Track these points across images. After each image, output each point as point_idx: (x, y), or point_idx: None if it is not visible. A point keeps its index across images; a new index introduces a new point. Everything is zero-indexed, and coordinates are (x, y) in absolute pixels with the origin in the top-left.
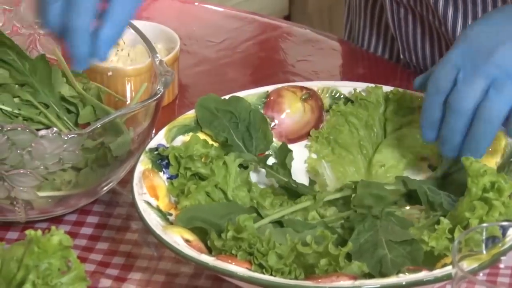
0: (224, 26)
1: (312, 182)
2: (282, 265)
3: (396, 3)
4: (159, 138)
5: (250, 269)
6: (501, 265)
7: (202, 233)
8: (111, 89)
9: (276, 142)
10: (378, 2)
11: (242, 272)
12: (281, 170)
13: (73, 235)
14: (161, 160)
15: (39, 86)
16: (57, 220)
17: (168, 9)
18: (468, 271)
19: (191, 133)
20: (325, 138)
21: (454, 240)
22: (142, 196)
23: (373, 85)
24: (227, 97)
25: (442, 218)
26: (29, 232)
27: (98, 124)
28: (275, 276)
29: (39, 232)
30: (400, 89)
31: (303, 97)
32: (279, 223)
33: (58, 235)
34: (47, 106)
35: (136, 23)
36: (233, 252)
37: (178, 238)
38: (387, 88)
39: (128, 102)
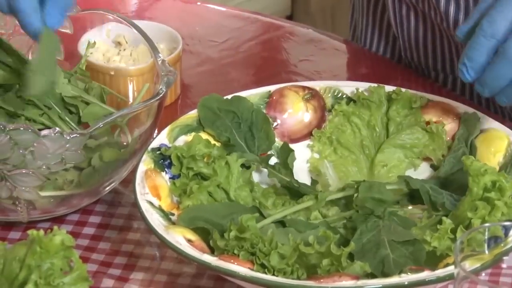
0: (226, 26)
1: (314, 182)
2: (284, 265)
3: (398, 0)
4: (162, 138)
5: (252, 269)
6: (504, 265)
7: (204, 233)
8: (114, 89)
9: (278, 142)
10: (380, 0)
11: (244, 272)
12: (283, 170)
13: (75, 235)
14: (163, 160)
15: None
16: (59, 220)
17: (171, 9)
18: (470, 271)
19: (193, 133)
20: (328, 138)
21: (456, 240)
22: (144, 196)
23: (375, 85)
24: (229, 97)
25: (444, 218)
26: (31, 232)
27: (101, 124)
28: (277, 276)
29: (41, 232)
30: (403, 89)
31: (306, 97)
32: (281, 223)
33: (60, 235)
34: (48, 108)
35: (139, 23)
36: (235, 252)
37: (180, 238)
38: (389, 88)
39: (131, 102)
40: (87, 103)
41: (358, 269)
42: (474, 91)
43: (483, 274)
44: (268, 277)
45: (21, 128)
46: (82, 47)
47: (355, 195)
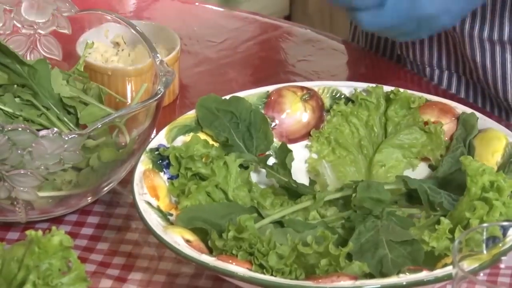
0: (224, 26)
1: (312, 182)
2: (282, 265)
3: None
4: (160, 138)
5: (250, 269)
6: (502, 265)
7: (202, 233)
8: (112, 89)
9: (276, 142)
10: None
11: (243, 272)
12: (282, 170)
13: (73, 235)
14: (161, 160)
15: (38, 89)
16: (58, 221)
17: (169, 9)
18: (469, 271)
19: (191, 133)
20: (326, 138)
21: (455, 240)
22: (142, 196)
23: (373, 85)
24: (227, 97)
25: (442, 218)
26: (30, 233)
27: (99, 124)
28: (275, 276)
29: (40, 232)
30: (401, 89)
31: (304, 97)
32: (279, 223)
33: (59, 236)
34: (47, 108)
35: (137, 23)
36: (234, 252)
37: (179, 238)
38: (387, 88)
39: (129, 102)
40: (86, 104)
41: (357, 269)
42: (470, 90)
43: (481, 274)
44: (267, 277)
45: (20, 129)
46: (80, 47)
47: (353, 195)
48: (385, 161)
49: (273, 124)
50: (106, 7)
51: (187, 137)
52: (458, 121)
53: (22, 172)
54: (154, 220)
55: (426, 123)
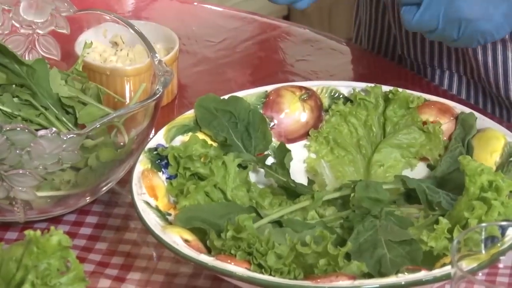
0: (223, 26)
1: (311, 182)
2: (281, 265)
3: None
4: (158, 138)
5: (249, 269)
6: (500, 265)
7: (201, 233)
8: (110, 89)
9: (275, 142)
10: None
11: (241, 272)
12: (280, 170)
13: (72, 235)
14: (160, 160)
15: (36, 89)
16: (56, 220)
17: (167, 9)
18: (467, 270)
19: (190, 133)
20: (324, 138)
21: (453, 239)
22: (141, 196)
23: (372, 84)
24: (226, 97)
25: (441, 218)
26: (28, 232)
27: (97, 124)
28: (274, 276)
29: (38, 232)
30: (400, 89)
31: (302, 97)
32: (278, 223)
33: (57, 235)
34: (45, 108)
35: (135, 23)
36: (232, 252)
37: (177, 238)
38: (386, 88)
39: (127, 102)
40: (84, 104)
41: (355, 269)
42: (471, 90)
43: (480, 274)
44: (265, 277)
45: (18, 129)
46: (79, 47)
47: (352, 194)
48: (384, 160)
49: (272, 124)
50: (105, 7)
51: (185, 137)
52: (456, 120)
53: (20, 172)
54: (152, 220)
55: (424, 122)
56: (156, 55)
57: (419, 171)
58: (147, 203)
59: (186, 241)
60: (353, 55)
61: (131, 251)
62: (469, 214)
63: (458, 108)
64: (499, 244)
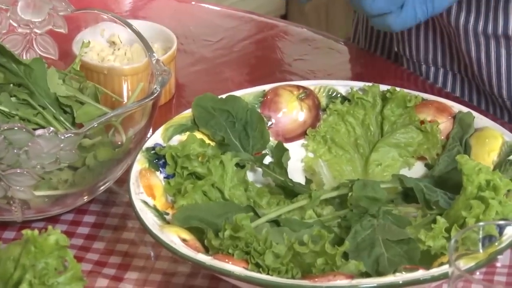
0: (220, 25)
1: (308, 181)
2: (279, 264)
3: None
4: (156, 138)
5: (247, 268)
6: (498, 264)
7: (199, 233)
8: (108, 88)
9: (273, 141)
10: None
11: (239, 272)
12: (278, 169)
13: (69, 234)
14: (158, 159)
15: (34, 88)
16: (54, 220)
17: (165, 9)
18: (465, 270)
19: (188, 132)
20: (322, 137)
21: (451, 239)
22: (139, 195)
23: (370, 84)
24: (224, 96)
25: (438, 217)
26: (26, 232)
27: (95, 124)
28: (272, 275)
29: (36, 231)
30: (397, 88)
31: (300, 96)
32: (276, 222)
33: (55, 235)
34: (43, 107)
35: (133, 22)
36: (230, 251)
37: (175, 237)
38: (384, 87)
39: (125, 101)
40: (82, 103)
41: (353, 268)
42: (465, 88)
43: (478, 273)
44: (263, 276)
45: (16, 128)
46: (76, 46)
47: (350, 194)
48: (381, 160)
49: (270, 123)
50: (102, 6)
51: (183, 136)
52: (454, 120)
53: (18, 171)
54: (150, 219)
55: (422, 122)
56: (154, 54)
57: (416, 170)
58: (145, 203)
59: (184, 240)
60: (351, 55)
61: (129, 251)
62: (467, 213)
63: (456, 107)
64: (496, 243)
